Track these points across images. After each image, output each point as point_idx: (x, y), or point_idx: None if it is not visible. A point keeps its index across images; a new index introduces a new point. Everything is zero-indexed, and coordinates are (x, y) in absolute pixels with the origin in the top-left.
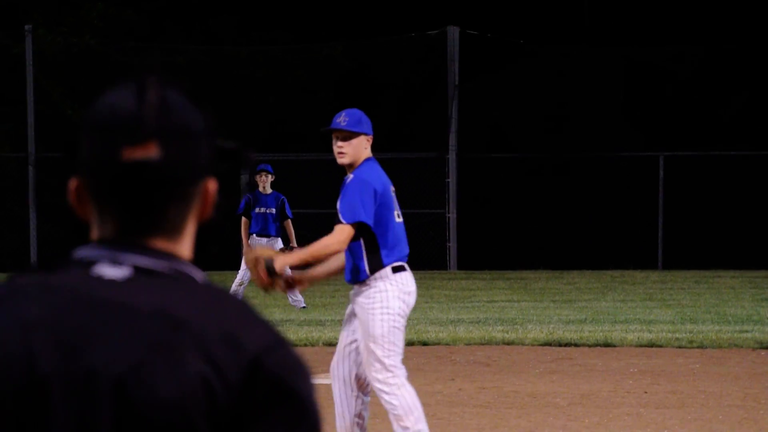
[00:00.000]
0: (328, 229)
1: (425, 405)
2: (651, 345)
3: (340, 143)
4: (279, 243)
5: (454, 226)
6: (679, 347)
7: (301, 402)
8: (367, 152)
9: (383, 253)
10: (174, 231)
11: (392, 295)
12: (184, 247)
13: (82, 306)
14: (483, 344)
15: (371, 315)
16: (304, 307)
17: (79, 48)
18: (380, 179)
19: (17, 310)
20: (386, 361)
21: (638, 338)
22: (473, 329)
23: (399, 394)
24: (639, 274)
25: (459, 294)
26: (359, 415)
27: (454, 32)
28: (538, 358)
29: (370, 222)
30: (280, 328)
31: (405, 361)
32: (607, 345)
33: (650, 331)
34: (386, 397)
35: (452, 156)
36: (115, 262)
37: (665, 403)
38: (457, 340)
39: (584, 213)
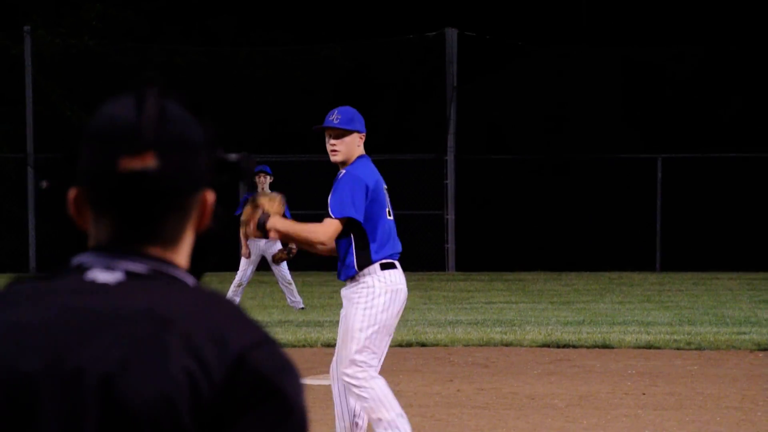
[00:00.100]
0: None
1: (424, 406)
2: (649, 346)
3: (333, 141)
4: (278, 243)
5: (453, 227)
6: (677, 349)
7: (285, 400)
8: (360, 150)
9: (372, 249)
10: (170, 240)
11: (378, 291)
12: (181, 256)
13: (71, 309)
14: (481, 345)
15: (354, 309)
16: (302, 308)
17: (78, 49)
18: (373, 176)
19: (7, 314)
20: (357, 357)
21: (636, 340)
22: (471, 330)
23: (368, 386)
24: (637, 276)
25: (457, 295)
26: (359, 416)
27: (452, 34)
28: (537, 360)
29: (360, 218)
30: (272, 329)
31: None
32: (605, 346)
33: (648, 333)
34: (356, 390)
35: (451, 157)
36: (109, 268)
37: (663, 404)
38: (456, 341)
39: (582, 215)
